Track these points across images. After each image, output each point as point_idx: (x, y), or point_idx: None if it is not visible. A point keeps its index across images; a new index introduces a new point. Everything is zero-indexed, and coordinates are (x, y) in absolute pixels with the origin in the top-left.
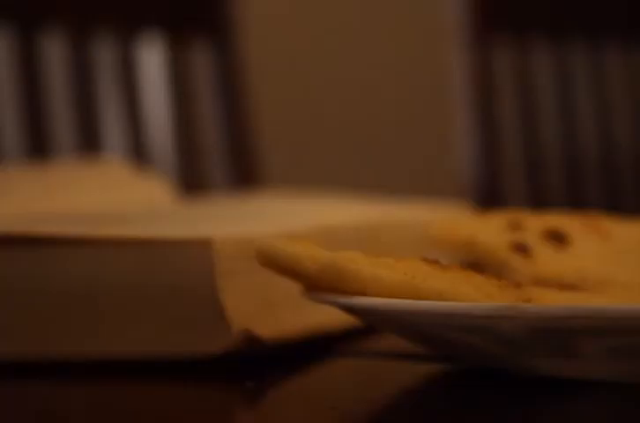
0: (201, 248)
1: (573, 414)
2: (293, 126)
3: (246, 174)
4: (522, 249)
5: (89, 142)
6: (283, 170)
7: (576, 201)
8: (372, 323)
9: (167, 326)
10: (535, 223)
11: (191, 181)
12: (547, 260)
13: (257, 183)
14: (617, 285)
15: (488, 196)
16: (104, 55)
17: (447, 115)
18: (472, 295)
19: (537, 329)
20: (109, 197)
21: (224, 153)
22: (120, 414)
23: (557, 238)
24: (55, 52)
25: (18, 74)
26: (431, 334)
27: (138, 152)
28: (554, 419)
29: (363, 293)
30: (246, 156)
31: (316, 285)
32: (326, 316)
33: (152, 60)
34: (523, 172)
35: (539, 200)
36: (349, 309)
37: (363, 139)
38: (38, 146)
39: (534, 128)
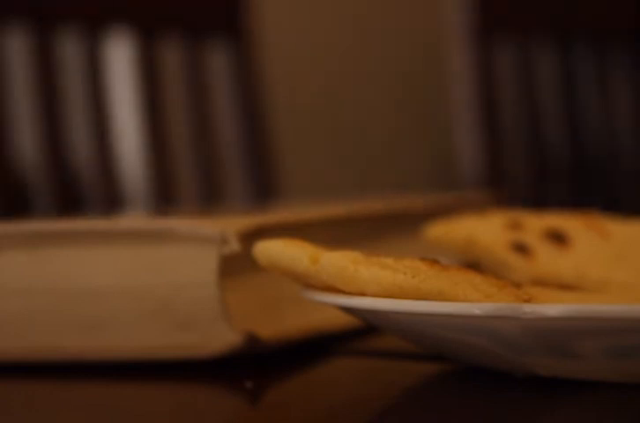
0: (203, 247)
1: (573, 414)
2: (304, 128)
3: (262, 176)
4: (522, 249)
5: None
6: (298, 171)
7: (576, 201)
8: (371, 323)
9: (168, 326)
10: (535, 223)
11: (208, 189)
12: (547, 260)
13: (273, 184)
14: (617, 285)
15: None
16: (122, 55)
17: (448, 115)
18: (472, 295)
19: (536, 329)
20: None
21: (240, 156)
22: (120, 414)
23: (557, 238)
24: (59, 51)
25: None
26: (430, 334)
27: (148, 155)
28: (554, 420)
29: (363, 293)
30: (262, 158)
31: (316, 285)
32: (326, 316)
33: (168, 61)
34: (523, 172)
35: (539, 200)
36: (349, 309)
37: (361, 139)
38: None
39: (536, 128)
